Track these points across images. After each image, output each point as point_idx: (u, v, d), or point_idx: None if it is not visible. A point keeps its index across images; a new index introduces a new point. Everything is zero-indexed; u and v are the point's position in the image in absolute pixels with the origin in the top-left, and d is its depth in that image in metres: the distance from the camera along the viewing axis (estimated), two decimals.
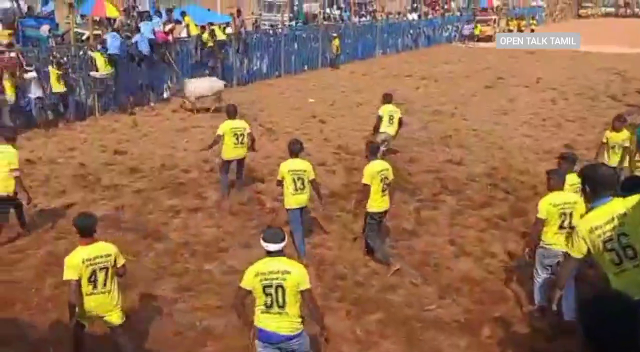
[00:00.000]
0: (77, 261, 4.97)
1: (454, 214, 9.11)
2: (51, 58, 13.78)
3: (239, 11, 21.09)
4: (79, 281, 4.95)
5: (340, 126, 14.48)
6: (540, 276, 6.17)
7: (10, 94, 12.63)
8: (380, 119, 11.19)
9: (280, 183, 7.53)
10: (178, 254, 7.65)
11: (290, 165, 7.44)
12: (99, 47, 14.61)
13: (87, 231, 5.14)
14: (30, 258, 7.46)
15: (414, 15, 35.78)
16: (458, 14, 41.47)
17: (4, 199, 7.65)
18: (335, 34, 24.75)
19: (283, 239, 4.62)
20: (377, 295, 6.64)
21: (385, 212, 7.41)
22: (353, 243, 7.96)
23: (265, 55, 21.61)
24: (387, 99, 11.45)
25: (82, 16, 17.58)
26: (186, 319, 6.24)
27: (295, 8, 30.54)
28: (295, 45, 23.27)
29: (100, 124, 14.31)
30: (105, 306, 5.16)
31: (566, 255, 4.52)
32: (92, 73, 14.52)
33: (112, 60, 14.70)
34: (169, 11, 18.37)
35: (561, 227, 5.87)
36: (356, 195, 7.21)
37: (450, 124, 14.91)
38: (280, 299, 4.50)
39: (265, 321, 4.56)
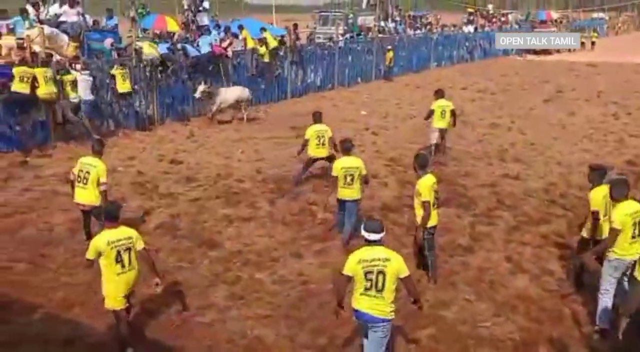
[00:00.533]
0: (101, 243, 5.48)
1: (510, 230, 8.89)
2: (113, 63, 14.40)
3: (295, 25, 21.36)
4: (93, 261, 5.56)
5: (393, 138, 14.41)
6: (609, 292, 5.95)
7: (72, 94, 13.12)
8: (432, 112, 11.95)
9: (335, 179, 8.10)
10: (231, 262, 7.75)
11: (344, 163, 8.09)
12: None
13: (112, 216, 5.71)
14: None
15: (470, 28, 35.37)
16: (516, 26, 40.69)
17: (88, 211, 7.81)
18: (389, 47, 24.73)
19: (383, 230, 5.07)
20: (429, 310, 6.51)
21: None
22: (406, 256, 7.84)
23: (320, 68, 21.78)
24: (439, 94, 12.11)
25: (144, 30, 18.20)
26: (238, 327, 6.30)
27: (350, 21, 30.68)
28: (349, 58, 23.36)
29: (158, 134, 14.72)
30: (135, 280, 5.74)
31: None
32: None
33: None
34: (227, 27, 18.78)
35: (633, 236, 5.83)
36: (422, 213, 6.86)
37: (507, 137, 14.60)
38: (379, 284, 4.92)
39: (363, 302, 4.99)
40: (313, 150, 10.33)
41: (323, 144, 10.29)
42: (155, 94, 15.49)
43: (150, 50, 15.08)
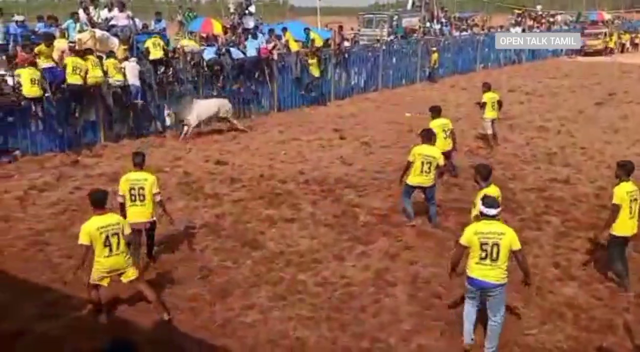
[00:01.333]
0: (92, 228, 5.93)
1: (558, 235, 8.64)
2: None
3: (340, 27, 21.36)
4: (90, 246, 5.94)
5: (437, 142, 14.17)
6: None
7: (117, 76, 13.67)
8: (484, 105, 12.87)
9: (409, 164, 8.53)
10: (274, 263, 7.79)
11: (423, 150, 8.51)
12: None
13: (99, 203, 6.10)
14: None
15: (518, 29, 34.59)
16: (565, 27, 39.61)
17: (142, 228, 7.37)
18: (434, 48, 24.46)
19: (499, 205, 5.62)
20: None
21: None
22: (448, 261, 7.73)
23: (363, 70, 21.71)
24: (487, 86, 13.11)
25: (191, 33, 18.53)
26: (280, 327, 6.32)
27: (395, 23, 30.46)
28: (394, 60, 23.20)
29: (204, 135, 14.93)
30: (121, 264, 6.11)
31: None
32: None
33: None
34: (271, 30, 18.93)
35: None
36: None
37: (556, 141, 14.20)
38: (494, 255, 5.46)
39: (477, 271, 5.56)
40: (441, 142, 9.87)
41: (448, 137, 10.44)
42: (201, 95, 15.71)
43: (189, 42, 15.35)
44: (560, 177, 11.26)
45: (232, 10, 21.12)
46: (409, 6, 33.22)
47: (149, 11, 29.45)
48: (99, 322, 6.32)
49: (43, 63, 12.47)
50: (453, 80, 24.75)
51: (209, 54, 15.82)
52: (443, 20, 30.57)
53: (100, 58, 13.52)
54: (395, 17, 31.33)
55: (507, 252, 5.47)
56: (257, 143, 14.18)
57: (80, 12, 15.51)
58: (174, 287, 7.16)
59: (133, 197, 7.18)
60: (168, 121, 14.27)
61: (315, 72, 18.51)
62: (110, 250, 6.00)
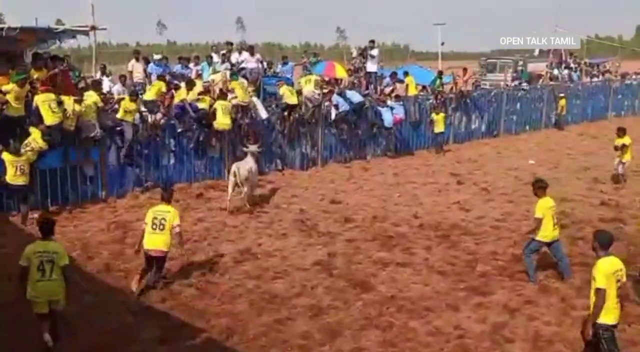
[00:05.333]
0: (28, 252, 6.28)
1: None
2: None
3: (464, 70, 21.12)
4: (25, 268, 6.24)
5: (564, 190, 13.38)
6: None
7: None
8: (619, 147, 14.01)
9: (540, 221, 8.23)
10: (384, 307, 7.62)
11: (549, 203, 8.35)
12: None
13: (46, 230, 6.50)
14: (250, 294, 8.04)
15: None
16: None
17: (155, 255, 7.91)
18: (561, 94, 23.37)
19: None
20: None
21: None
22: (574, 320, 7.15)
23: (485, 114, 21.18)
24: (622, 131, 14.14)
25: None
26: None
27: (520, 68, 29.62)
28: (518, 105, 22.44)
29: (320, 175, 15.21)
30: (55, 291, 6.30)
31: None
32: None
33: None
34: (393, 73, 19.11)
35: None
36: (595, 302, 5.71)
37: None
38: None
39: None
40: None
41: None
42: (321, 137, 16.08)
43: (308, 86, 15.71)
44: None
45: (354, 54, 21.65)
46: (536, 52, 32.18)
47: (276, 55, 30.95)
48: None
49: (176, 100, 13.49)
50: (582, 128, 23.44)
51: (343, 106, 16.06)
52: (572, 65, 29.24)
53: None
54: (521, 62, 30.47)
55: None
56: (371, 184, 14.20)
57: (214, 55, 16.63)
58: (286, 323, 7.20)
59: (154, 226, 7.83)
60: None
61: (441, 127, 18.13)
62: (43, 275, 6.22)
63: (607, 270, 5.66)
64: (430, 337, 6.88)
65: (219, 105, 13.47)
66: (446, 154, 18.04)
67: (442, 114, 18.21)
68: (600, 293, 5.61)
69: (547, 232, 8.24)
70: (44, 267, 6.23)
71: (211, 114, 13.48)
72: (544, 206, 8.22)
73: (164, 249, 7.92)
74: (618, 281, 5.68)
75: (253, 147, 12.38)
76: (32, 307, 6.34)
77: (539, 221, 8.20)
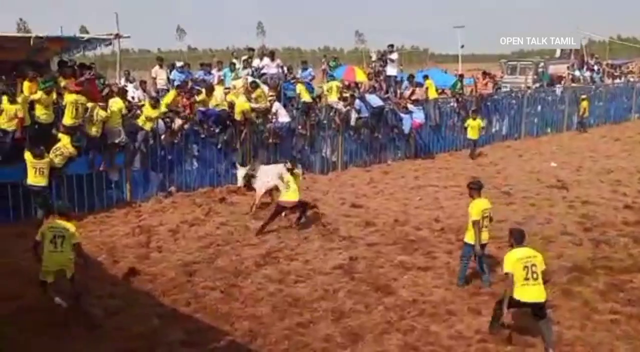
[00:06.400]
0: (44, 228, 7.32)
1: None
2: None
3: (484, 73, 21.05)
4: (39, 242, 7.22)
5: (586, 193, 13.30)
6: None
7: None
8: None
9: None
10: (406, 310, 7.66)
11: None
12: None
13: (61, 212, 7.67)
14: (272, 297, 8.14)
15: None
16: None
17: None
18: (583, 96, 23.15)
19: None
20: None
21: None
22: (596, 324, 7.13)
23: (506, 117, 21.07)
24: None
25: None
26: None
27: (540, 70, 29.36)
28: (539, 107, 22.28)
29: (340, 179, 15.28)
30: (63, 262, 7.20)
31: None
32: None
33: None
34: (411, 76, 19.12)
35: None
36: None
37: None
38: None
39: None
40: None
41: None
42: (341, 141, 16.17)
43: (331, 97, 15.84)
44: None
45: (373, 58, 21.71)
46: (558, 53, 31.89)
47: (296, 60, 31.11)
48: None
49: (199, 106, 13.71)
50: (604, 130, 23.19)
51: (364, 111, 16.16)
52: (595, 67, 28.93)
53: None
54: (541, 64, 30.22)
55: None
56: (392, 188, 14.22)
57: (235, 61, 16.81)
58: (308, 326, 7.29)
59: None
60: (241, 181, 12.36)
61: (474, 135, 17.91)
62: (55, 247, 7.14)
63: (513, 258, 6.62)
64: (452, 341, 6.90)
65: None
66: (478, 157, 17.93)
67: (478, 121, 17.93)
68: (509, 276, 6.60)
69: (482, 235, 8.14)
70: (55, 241, 7.18)
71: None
72: (480, 208, 8.14)
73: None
74: (525, 266, 6.53)
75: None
76: (40, 275, 7.21)
77: (477, 224, 8.07)
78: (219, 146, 13.93)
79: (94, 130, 11.88)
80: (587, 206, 12.29)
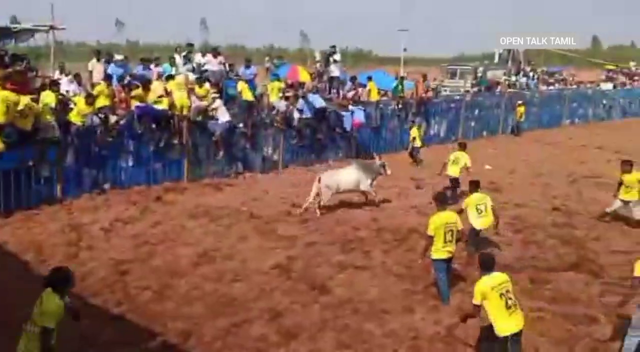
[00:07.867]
0: None
1: None
2: None
3: (424, 76, 21.47)
4: None
5: (518, 196, 13.78)
6: None
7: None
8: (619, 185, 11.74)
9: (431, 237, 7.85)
10: (340, 309, 7.71)
11: (443, 219, 7.84)
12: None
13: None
14: (208, 297, 8.02)
15: (609, 85, 33.45)
16: None
17: None
18: (520, 102, 24.03)
19: None
20: None
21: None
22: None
23: (444, 120, 21.59)
24: (630, 165, 11.75)
25: (278, 80, 19.17)
26: None
27: (479, 75, 30.30)
28: (476, 112, 22.97)
29: (281, 178, 15.24)
30: None
31: None
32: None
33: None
34: (354, 77, 19.30)
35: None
36: None
37: None
38: None
39: None
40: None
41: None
42: (282, 140, 16.13)
43: (273, 97, 15.84)
44: None
45: (317, 58, 21.80)
46: (496, 59, 33.02)
47: (239, 58, 30.81)
48: None
49: (136, 102, 13.36)
50: (537, 135, 24.13)
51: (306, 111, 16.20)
52: (530, 74, 30.11)
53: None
54: (481, 69, 31.20)
55: None
56: None
57: (176, 56, 16.50)
58: (243, 325, 7.22)
59: None
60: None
61: (418, 143, 18.03)
62: None
63: (485, 288, 5.98)
64: (385, 339, 7.00)
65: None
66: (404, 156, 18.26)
67: (421, 130, 18.19)
68: (476, 308, 6.10)
69: (445, 248, 7.84)
70: None
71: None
72: (441, 221, 7.77)
73: None
74: (501, 295, 5.94)
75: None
76: None
77: (431, 238, 7.78)
78: (160, 144, 13.59)
79: (26, 124, 11.32)
80: (519, 208, 12.73)
